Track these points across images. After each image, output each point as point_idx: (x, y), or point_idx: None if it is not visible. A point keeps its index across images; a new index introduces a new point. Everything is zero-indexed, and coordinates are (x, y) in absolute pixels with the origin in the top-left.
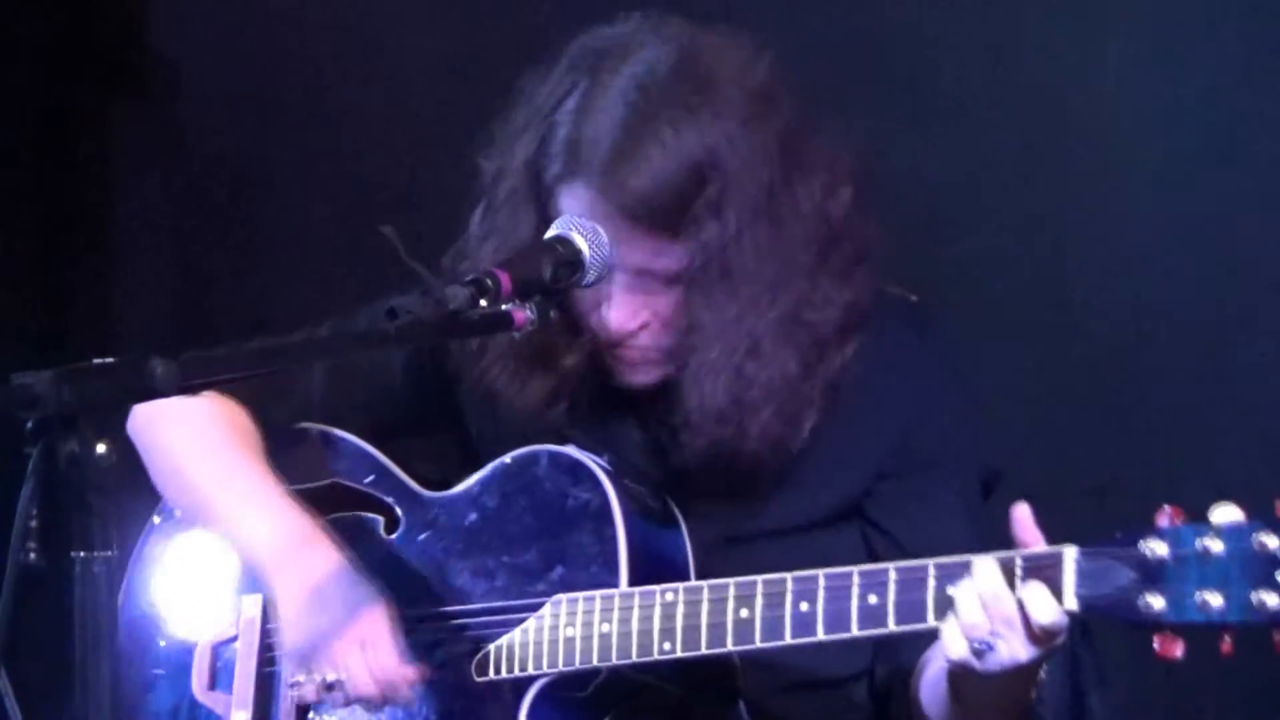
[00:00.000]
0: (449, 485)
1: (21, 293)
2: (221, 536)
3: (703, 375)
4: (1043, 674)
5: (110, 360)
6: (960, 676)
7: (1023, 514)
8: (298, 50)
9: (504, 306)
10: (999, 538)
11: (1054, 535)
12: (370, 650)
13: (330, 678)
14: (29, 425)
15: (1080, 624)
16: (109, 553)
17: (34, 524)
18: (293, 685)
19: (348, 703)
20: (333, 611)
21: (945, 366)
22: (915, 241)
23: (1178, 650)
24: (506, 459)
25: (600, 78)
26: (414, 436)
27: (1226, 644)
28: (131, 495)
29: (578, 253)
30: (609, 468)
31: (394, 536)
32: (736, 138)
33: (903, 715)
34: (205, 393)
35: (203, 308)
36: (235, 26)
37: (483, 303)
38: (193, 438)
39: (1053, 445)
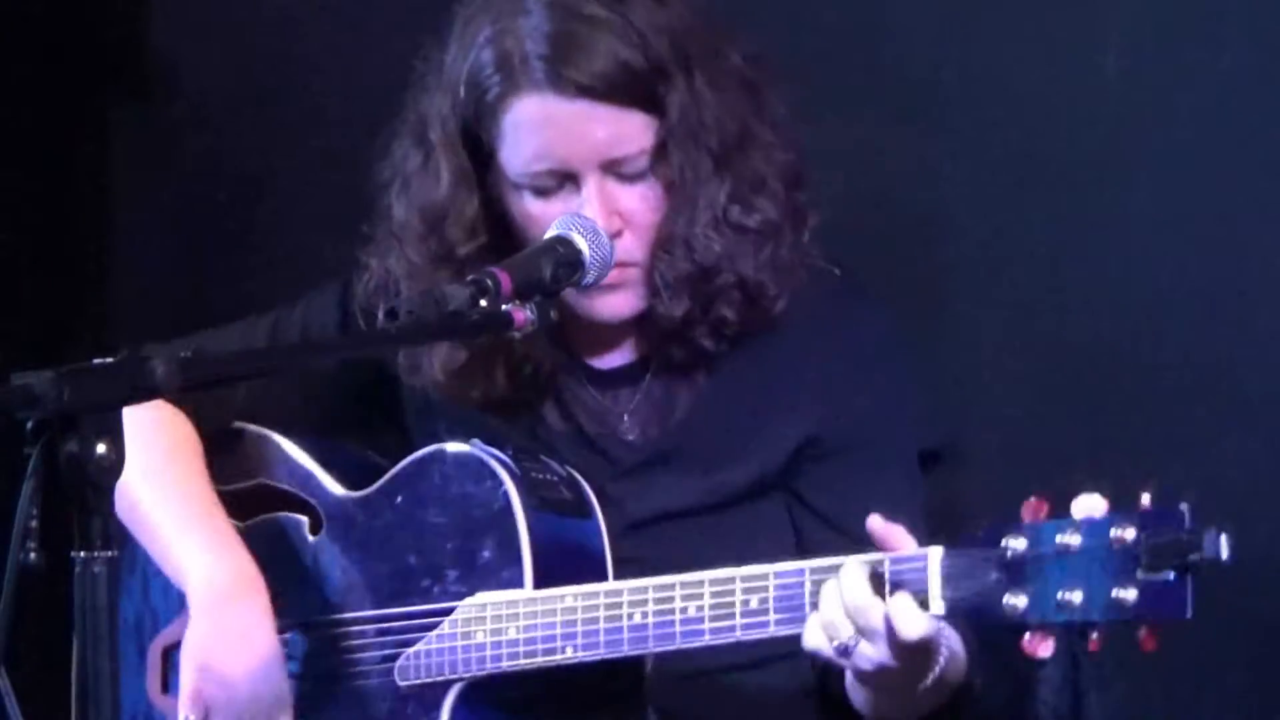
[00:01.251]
0: (370, 481)
1: (21, 293)
2: (162, 564)
3: (676, 240)
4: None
5: (110, 360)
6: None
7: (875, 525)
8: (297, 50)
9: (504, 306)
10: (937, 517)
11: None
12: None
13: None
14: (29, 425)
15: (1080, 625)
16: (109, 553)
17: (34, 524)
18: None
19: None
20: (241, 678)
21: (876, 340)
22: (915, 241)
23: (1046, 649)
24: (413, 457)
25: (504, 4)
26: (349, 432)
27: (1094, 642)
28: None
29: (578, 253)
30: (510, 463)
31: (317, 538)
32: (668, 7)
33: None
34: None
35: (203, 308)
36: (235, 27)
37: (483, 303)
38: (136, 454)
39: (1052, 445)
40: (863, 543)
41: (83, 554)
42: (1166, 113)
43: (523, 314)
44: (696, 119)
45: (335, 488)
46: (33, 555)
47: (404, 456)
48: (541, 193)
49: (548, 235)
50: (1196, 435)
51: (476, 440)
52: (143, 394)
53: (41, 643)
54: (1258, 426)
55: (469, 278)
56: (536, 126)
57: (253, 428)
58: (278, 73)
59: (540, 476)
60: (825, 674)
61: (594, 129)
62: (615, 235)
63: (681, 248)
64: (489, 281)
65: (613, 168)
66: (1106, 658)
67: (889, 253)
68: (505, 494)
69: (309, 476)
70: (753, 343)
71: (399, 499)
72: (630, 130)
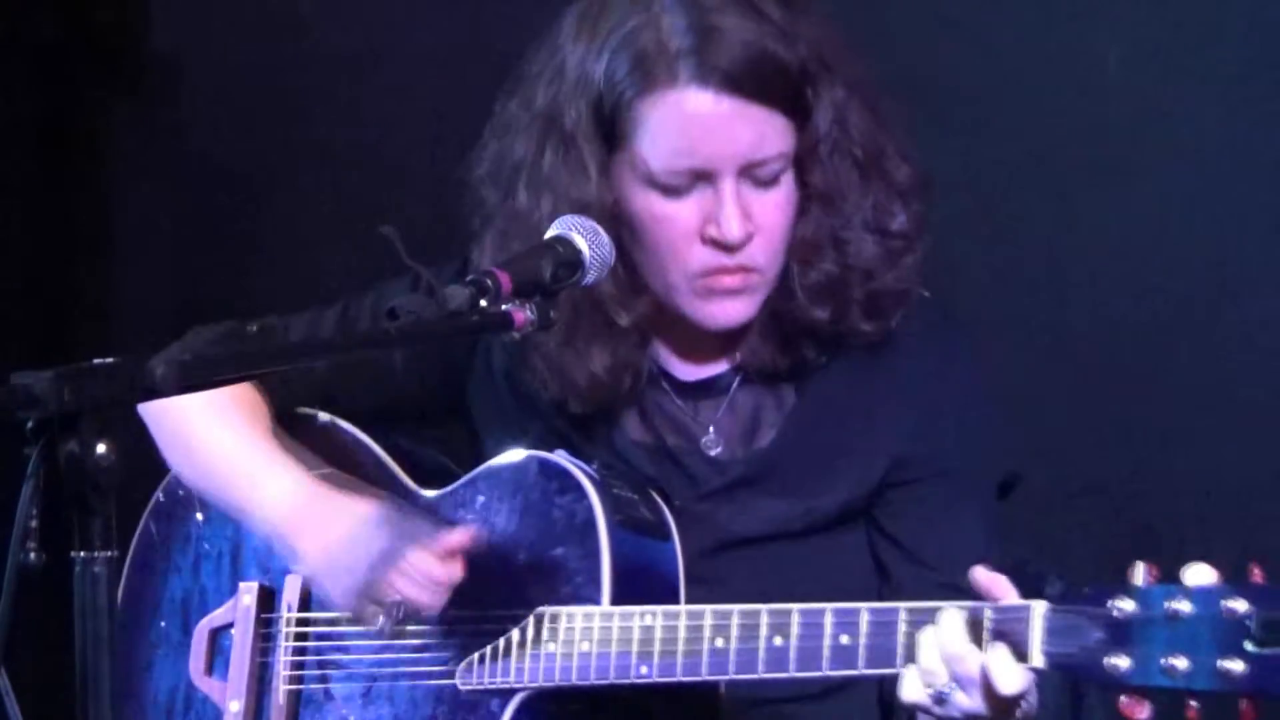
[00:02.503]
0: (445, 483)
1: (21, 293)
2: (237, 508)
3: (824, 244)
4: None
5: (110, 360)
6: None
7: (979, 575)
8: (297, 50)
9: (504, 306)
10: (1013, 544)
11: (1053, 534)
12: (412, 570)
13: (390, 601)
14: (29, 425)
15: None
16: (109, 553)
17: (34, 524)
18: (372, 617)
19: (412, 618)
20: (363, 557)
21: (960, 365)
22: None
23: (1143, 713)
24: (495, 463)
25: (635, 4)
26: (416, 427)
27: (1193, 710)
28: (131, 495)
29: (578, 253)
30: (597, 477)
31: None
32: (814, 17)
33: None
34: None
35: (203, 308)
36: (235, 26)
37: (483, 303)
38: (205, 413)
39: (1051, 445)
40: (939, 572)
41: (83, 554)
42: (1166, 113)
43: (523, 314)
44: (843, 125)
45: (408, 483)
46: (33, 555)
47: (471, 457)
48: (672, 192)
49: (547, 235)
50: (1196, 435)
51: (562, 450)
52: (143, 394)
53: (41, 643)
54: (1258, 426)
55: (469, 278)
56: (680, 124)
57: (329, 416)
58: (278, 73)
59: (624, 494)
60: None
61: (740, 128)
62: (745, 240)
63: (830, 250)
64: (489, 281)
65: (750, 170)
66: None
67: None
68: (590, 507)
69: (386, 470)
70: (847, 364)
71: (478, 501)
72: (773, 132)
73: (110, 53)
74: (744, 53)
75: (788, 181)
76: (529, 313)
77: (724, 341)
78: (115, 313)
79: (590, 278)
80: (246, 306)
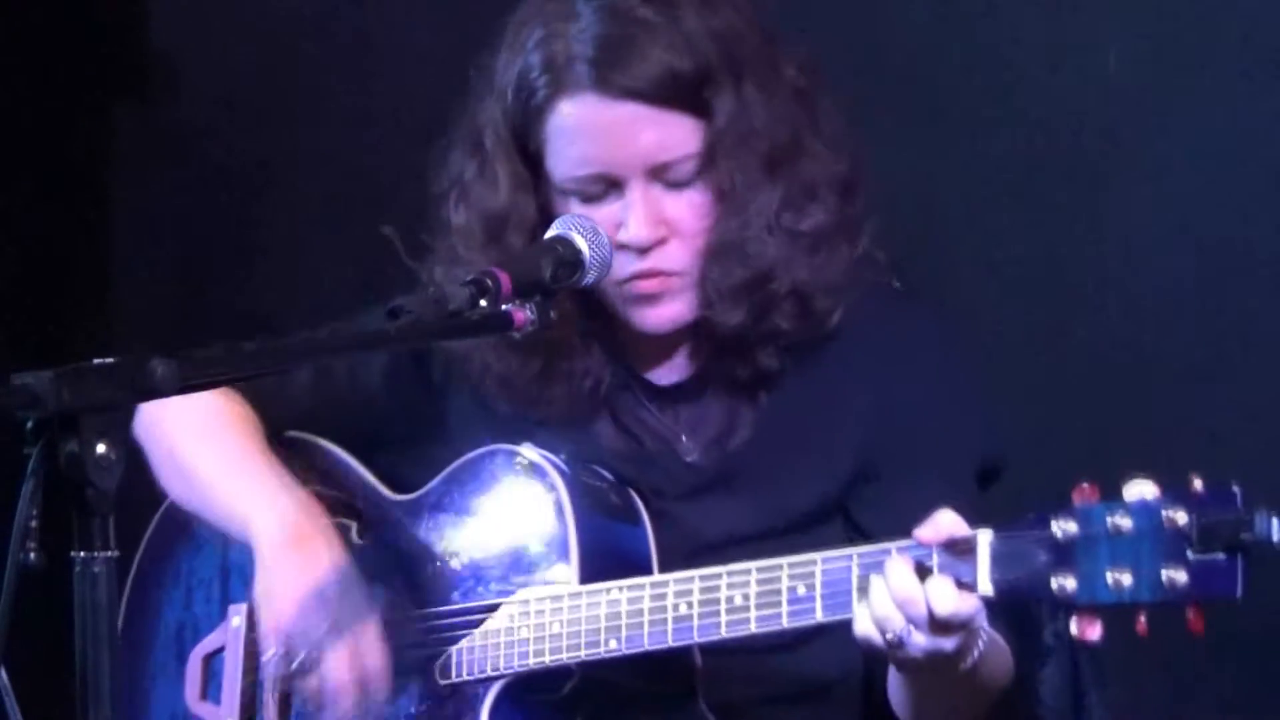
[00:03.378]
0: (416, 488)
1: (21, 293)
2: (223, 523)
3: (729, 247)
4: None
5: (110, 360)
6: (899, 665)
7: (921, 530)
8: (298, 50)
9: (504, 306)
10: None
11: None
12: (360, 656)
13: (307, 666)
14: (29, 425)
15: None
16: (109, 553)
17: (34, 524)
18: (269, 663)
19: (314, 692)
20: (330, 609)
21: (925, 351)
22: (914, 242)
23: (1095, 631)
24: (465, 459)
25: (554, 9)
26: (396, 446)
27: (1141, 624)
28: (131, 495)
29: (578, 253)
30: (563, 466)
31: (364, 541)
32: (722, 15)
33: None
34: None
35: (203, 308)
36: (235, 27)
37: (483, 303)
38: (196, 429)
39: (1050, 443)
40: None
41: (83, 554)
42: (1166, 113)
43: (523, 314)
44: (747, 125)
45: (383, 491)
46: (33, 555)
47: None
48: (588, 199)
49: (547, 235)
50: (1197, 435)
51: (529, 444)
52: (143, 394)
53: (41, 643)
54: (1258, 426)
55: (469, 278)
56: (581, 130)
57: (303, 435)
58: (278, 73)
59: (590, 481)
60: (870, 677)
61: (640, 133)
62: (660, 243)
63: (735, 254)
64: (489, 282)
65: (659, 174)
66: (1106, 658)
67: (888, 252)
68: (556, 494)
69: (357, 481)
70: (812, 359)
71: (449, 499)
72: (677, 135)
73: (110, 53)
74: (642, 59)
75: (701, 182)
76: (529, 313)
77: (689, 346)
78: (115, 313)
79: (590, 277)
80: (246, 306)
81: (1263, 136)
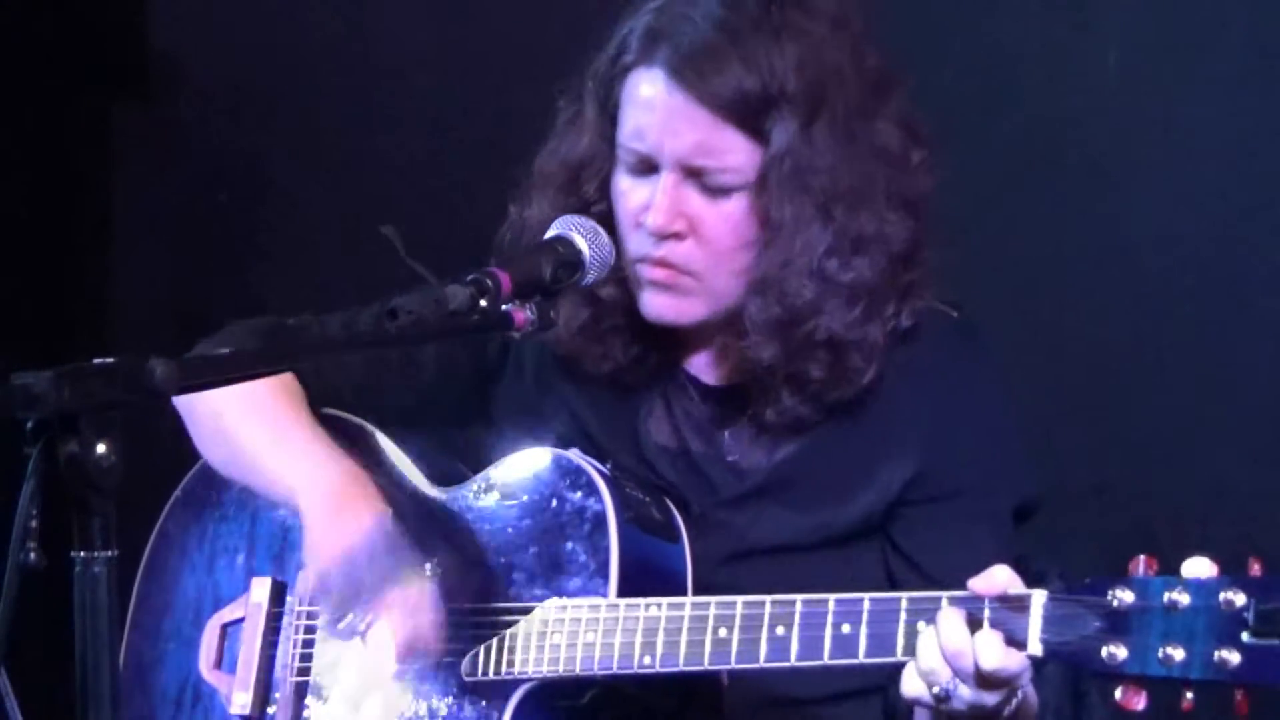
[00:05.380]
0: (460, 480)
1: (21, 293)
2: (268, 490)
3: (769, 282)
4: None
5: (110, 360)
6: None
7: (976, 580)
8: (298, 50)
9: (504, 306)
10: (1014, 543)
11: (1052, 534)
12: (413, 613)
13: (361, 625)
14: (29, 425)
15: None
16: (109, 553)
17: (34, 524)
18: (325, 617)
19: (352, 638)
20: (380, 566)
21: (981, 387)
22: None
23: (1139, 703)
24: (510, 458)
25: None
26: (441, 425)
27: (1188, 701)
28: (132, 495)
29: (578, 253)
30: (609, 475)
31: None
32: (825, 54)
33: None
34: None
35: (203, 307)
36: (235, 26)
37: (483, 303)
38: (243, 398)
39: (1051, 445)
40: (950, 590)
41: (83, 554)
42: (1166, 113)
43: (523, 314)
44: (807, 161)
45: (424, 484)
46: (33, 555)
47: (496, 458)
48: (631, 170)
49: (547, 235)
50: (1196, 435)
51: (577, 449)
52: (143, 394)
53: (41, 643)
54: (1259, 426)
55: (469, 277)
56: (643, 104)
57: (349, 418)
58: (278, 73)
59: (635, 494)
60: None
61: (686, 130)
62: (676, 237)
63: (774, 289)
64: (489, 281)
65: (695, 174)
66: None
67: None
68: (601, 504)
69: (401, 471)
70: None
71: (492, 497)
72: (721, 146)
73: (110, 53)
74: (715, 64)
75: (742, 200)
76: (529, 313)
77: (740, 355)
78: (115, 313)
79: (590, 278)
80: (246, 306)
81: (1263, 136)
